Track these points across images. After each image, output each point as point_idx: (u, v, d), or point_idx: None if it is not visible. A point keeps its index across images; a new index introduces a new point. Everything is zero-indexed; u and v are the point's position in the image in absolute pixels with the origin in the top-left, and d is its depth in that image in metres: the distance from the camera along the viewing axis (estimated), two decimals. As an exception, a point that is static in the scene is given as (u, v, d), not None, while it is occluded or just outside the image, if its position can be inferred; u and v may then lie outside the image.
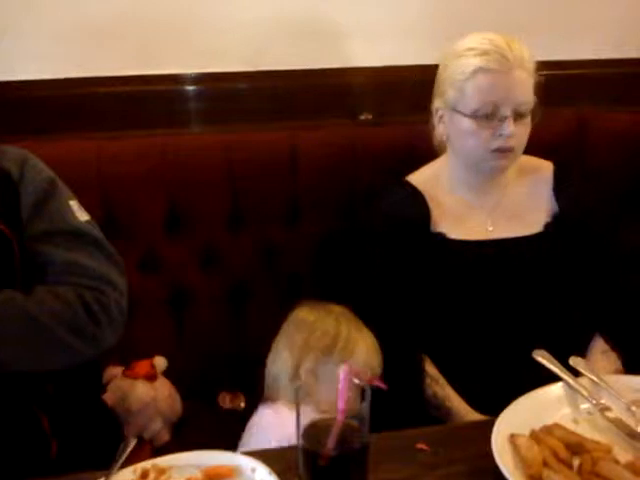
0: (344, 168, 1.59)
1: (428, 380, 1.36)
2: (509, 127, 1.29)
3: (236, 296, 1.60)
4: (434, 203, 1.42)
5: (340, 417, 0.87)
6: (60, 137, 1.51)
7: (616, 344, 1.37)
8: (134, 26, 1.63)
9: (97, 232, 1.22)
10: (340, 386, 0.88)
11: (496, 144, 1.32)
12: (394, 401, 1.30)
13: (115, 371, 1.53)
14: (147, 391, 1.48)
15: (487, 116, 1.31)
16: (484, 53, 1.30)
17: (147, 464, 0.99)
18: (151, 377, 1.51)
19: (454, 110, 1.35)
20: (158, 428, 1.50)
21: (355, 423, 0.88)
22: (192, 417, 1.55)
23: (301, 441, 0.87)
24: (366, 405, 0.87)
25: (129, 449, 1.01)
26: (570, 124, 1.65)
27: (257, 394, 1.38)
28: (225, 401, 1.62)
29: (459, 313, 1.39)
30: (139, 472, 0.97)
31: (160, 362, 1.54)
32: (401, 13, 1.73)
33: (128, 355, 1.52)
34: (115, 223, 1.50)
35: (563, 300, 1.39)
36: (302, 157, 1.58)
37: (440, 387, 1.35)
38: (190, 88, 1.69)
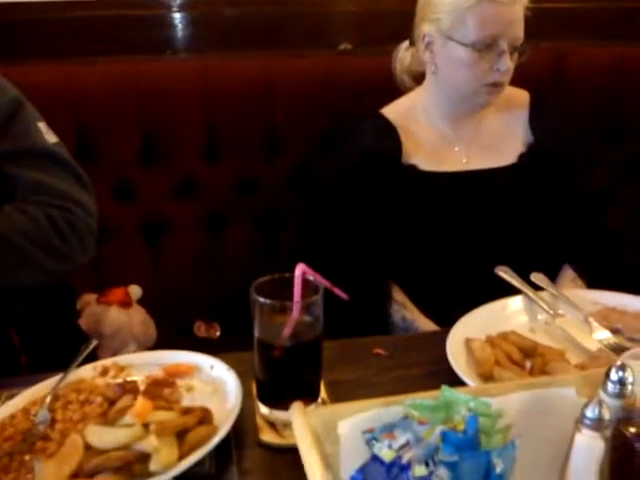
0: (323, 99, 1.58)
1: (396, 306, 1.38)
2: (507, 62, 1.27)
3: (213, 226, 1.60)
4: (408, 135, 1.41)
5: (295, 311, 0.89)
6: (31, 61, 1.49)
7: (583, 273, 1.39)
8: None
9: (65, 154, 1.22)
10: (295, 282, 0.90)
11: (492, 78, 1.29)
12: (362, 327, 1.34)
13: (90, 298, 1.54)
14: (121, 316, 1.50)
15: (486, 48, 1.27)
16: None
17: (107, 362, 1.01)
18: (125, 304, 1.52)
19: (449, 38, 1.29)
20: (132, 352, 1.52)
21: (309, 319, 0.90)
22: (166, 344, 1.54)
23: (257, 334, 0.89)
24: (318, 298, 0.88)
25: (89, 349, 1.03)
26: (548, 58, 1.64)
27: (233, 323, 1.40)
28: (200, 330, 1.63)
29: (430, 242, 1.39)
30: (99, 369, 0.99)
31: (135, 290, 1.55)
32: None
33: (103, 284, 1.53)
34: (88, 151, 1.50)
35: (534, 230, 1.40)
36: (280, 87, 1.57)
37: (408, 311, 1.37)
38: (169, 14, 1.68)
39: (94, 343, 1.05)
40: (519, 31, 1.29)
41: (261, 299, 0.87)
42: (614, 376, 0.69)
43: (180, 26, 1.71)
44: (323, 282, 0.92)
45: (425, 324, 1.33)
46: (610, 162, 1.67)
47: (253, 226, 1.61)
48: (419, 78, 1.45)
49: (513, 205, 1.39)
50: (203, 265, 1.61)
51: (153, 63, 1.58)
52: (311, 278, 0.90)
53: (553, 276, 1.39)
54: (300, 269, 0.90)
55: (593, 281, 1.36)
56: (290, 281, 0.89)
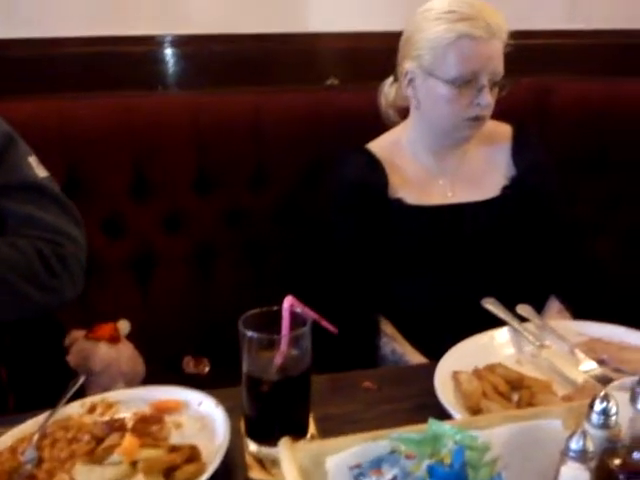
0: (310, 133, 1.60)
1: (385, 338, 1.38)
2: (487, 97, 1.29)
3: (201, 260, 1.61)
4: (393, 169, 1.43)
5: (283, 345, 0.89)
6: (23, 97, 1.51)
7: (569, 304, 1.40)
8: None
9: (55, 188, 1.23)
10: (283, 315, 0.90)
11: (472, 113, 1.32)
12: (351, 359, 1.34)
13: (78, 334, 1.54)
14: (109, 352, 1.49)
15: (466, 84, 1.29)
16: (469, 18, 1.27)
17: (95, 398, 1.01)
18: (114, 339, 1.52)
19: (430, 74, 1.32)
20: (120, 389, 1.51)
21: (297, 352, 0.91)
22: (155, 380, 1.54)
23: (245, 368, 0.90)
24: (306, 331, 0.89)
25: (77, 386, 1.03)
26: (531, 93, 1.67)
27: (222, 358, 1.40)
28: (189, 365, 1.63)
29: (417, 275, 1.41)
30: (87, 406, 0.99)
31: (123, 325, 1.55)
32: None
33: (92, 319, 1.53)
34: (79, 185, 1.51)
35: (519, 262, 1.42)
36: (268, 121, 1.59)
37: (398, 343, 1.37)
38: (159, 50, 1.72)
39: (81, 379, 1.04)
40: (498, 66, 1.31)
41: (249, 333, 0.88)
42: (598, 407, 0.70)
43: (171, 62, 1.75)
44: (311, 314, 0.93)
45: (414, 357, 1.33)
46: (594, 193, 1.69)
47: (242, 259, 1.62)
48: (404, 113, 1.48)
49: (497, 237, 1.40)
50: (192, 299, 1.61)
51: (143, 98, 1.61)
52: (299, 310, 0.91)
53: (540, 307, 1.40)
54: (288, 302, 0.91)
55: (579, 312, 1.37)
56: (278, 314, 0.90)
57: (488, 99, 1.30)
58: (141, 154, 1.54)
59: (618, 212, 1.73)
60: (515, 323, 1.11)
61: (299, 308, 0.91)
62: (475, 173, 1.45)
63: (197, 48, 1.76)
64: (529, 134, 1.48)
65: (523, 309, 1.17)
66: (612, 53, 1.86)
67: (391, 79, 1.49)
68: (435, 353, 1.33)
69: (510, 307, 1.21)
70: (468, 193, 1.43)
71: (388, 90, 1.50)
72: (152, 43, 1.73)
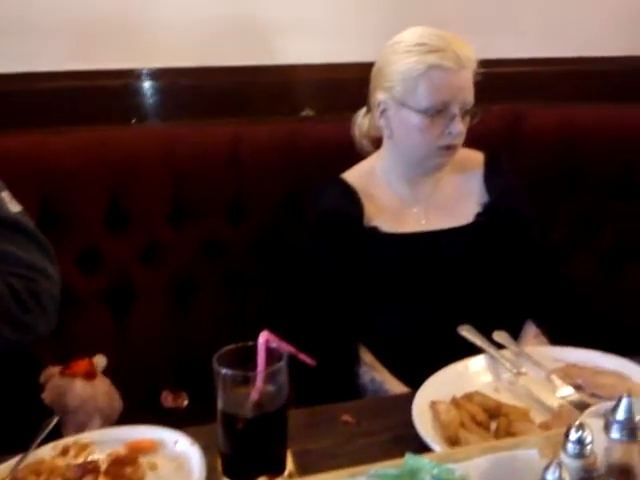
0: (287, 164, 1.61)
1: (365, 367, 1.37)
2: (458, 126, 1.32)
3: (179, 292, 1.59)
4: (368, 198, 1.45)
5: (259, 381, 0.88)
6: (-2, 132, 1.51)
7: (546, 328, 1.41)
8: (79, 21, 1.65)
9: (29, 223, 1.22)
10: (259, 351, 0.89)
11: (444, 142, 1.34)
12: (330, 389, 1.34)
13: (53, 370, 1.51)
14: (85, 389, 1.47)
15: (437, 113, 1.31)
16: (438, 50, 1.30)
17: (69, 440, 0.99)
18: (89, 375, 1.49)
19: (402, 105, 1.34)
20: (97, 427, 1.48)
21: (273, 388, 0.90)
22: (133, 416, 1.52)
23: (220, 406, 0.89)
24: (282, 366, 0.88)
25: (50, 427, 1.01)
26: (502, 120, 1.70)
27: (201, 392, 1.38)
28: (167, 400, 1.60)
29: (394, 303, 1.41)
30: (59, 448, 0.97)
31: (99, 360, 1.52)
32: (341, 10, 1.79)
33: (68, 354, 1.51)
34: (54, 219, 1.49)
35: (495, 287, 1.42)
36: (245, 152, 1.59)
37: (377, 372, 1.36)
38: (136, 84, 1.72)
39: (55, 420, 1.02)
40: (469, 95, 1.34)
41: (223, 370, 0.87)
42: (573, 436, 0.70)
43: (147, 95, 1.75)
44: (288, 349, 0.93)
45: (394, 385, 1.33)
46: (569, 216, 1.71)
47: (221, 291, 1.61)
48: (378, 143, 1.50)
49: (472, 263, 1.42)
50: (170, 332, 1.59)
51: (118, 132, 1.61)
52: (275, 345, 0.91)
53: (517, 332, 1.41)
54: (263, 337, 0.90)
55: (556, 335, 1.38)
56: (253, 350, 0.89)
57: (459, 128, 1.32)
58: (117, 187, 1.53)
59: (593, 234, 1.74)
60: (492, 350, 1.12)
61: (275, 343, 0.91)
62: (448, 200, 1.47)
63: (173, 81, 1.77)
64: (501, 161, 1.51)
65: (499, 336, 1.18)
66: (581, 80, 1.90)
67: (364, 110, 1.51)
68: (415, 380, 1.33)
69: (488, 333, 1.22)
70: (442, 220, 1.44)
71: (361, 121, 1.52)
72: (128, 76, 1.74)
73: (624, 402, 0.72)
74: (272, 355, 0.90)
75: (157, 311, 1.58)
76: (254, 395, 0.88)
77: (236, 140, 1.60)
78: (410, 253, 1.41)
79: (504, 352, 1.13)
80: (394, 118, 1.38)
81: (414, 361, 1.35)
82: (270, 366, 0.89)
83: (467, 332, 1.18)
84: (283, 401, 0.89)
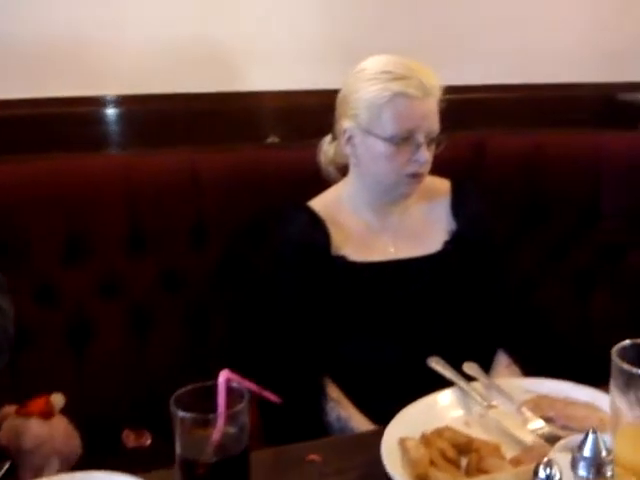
0: (251, 191, 1.58)
1: (331, 404, 1.33)
2: (424, 153, 1.31)
3: (139, 325, 1.54)
4: (336, 227, 1.42)
5: (219, 423, 0.84)
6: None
7: (517, 357, 1.39)
8: (20, 47, 1.62)
9: None
10: (219, 391, 0.86)
11: (411, 169, 1.33)
12: (297, 427, 1.30)
13: (9, 410, 1.45)
14: (41, 429, 1.40)
15: (403, 141, 1.31)
16: (402, 78, 1.30)
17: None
18: (46, 414, 1.43)
19: (368, 133, 1.33)
20: (55, 469, 1.42)
21: (235, 430, 0.86)
22: (93, 457, 1.46)
23: (178, 450, 0.84)
24: (244, 407, 0.85)
25: (2, 471, 0.96)
26: (468, 147, 1.70)
27: (164, 429, 1.33)
28: (129, 439, 1.54)
29: (363, 334, 1.38)
30: (9, 498, 0.92)
31: (57, 399, 1.46)
32: (306, 37, 1.79)
33: (25, 393, 1.45)
34: (8, 252, 1.44)
35: (465, 317, 1.41)
36: (207, 180, 1.56)
37: (343, 409, 1.33)
38: (96, 111, 1.70)
39: (7, 465, 0.97)
40: (434, 123, 1.34)
41: (181, 413, 0.83)
42: (542, 474, 0.69)
43: (107, 122, 1.72)
44: (251, 386, 0.89)
45: (360, 422, 1.29)
46: (536, 244, 1.71)
47: (182, 323, 1.56)
48: (344, 170, 1.48)
49: (441, 293, 1.40)
50: (130, 368, 1.53)
51: (76, 160, 1.56)
52: (236, 385, 0.87)
53: (489, 362, 1.39)
54: (224, 376, 0.86)
55: (528, 365, 1.37)
56: (213, 389, 0.85)
57: (425, 156, 1.32)
58: (74, 217, 1.48)
59: (562, 260, 1.74)
60: (462, 383, 1.09)
61: (236, 382, 0.87)
62: (416, 228, 1.45)
63: (135, 108, 1.74)
64: (467, 188, 1.50)
65: (469, 367, 1.15)
66: (545, 106, 1.92)
67: (330, 137, 1.49)
68: (384, 415, 1.30)
69: (459, 363, 1.19)
70: (410, 249, 1.42)
71: (327, 148, 1.50)
72: (89, 104, 1.71)
73: (590, 438, 0.70)
74: (233, 395, 0.86)
75: (117, 345, 1.53)
76: (215, 438, 0.84)
77: (198, 167, 1.57)
78: (378, 282, 1.39)
79: (474, 384, 1.10)
80: (360, 146, 1.37)
81: (383, 395, 1.32)
82: (231, 407, 0.85)
83: (436, 364, 1.15)
84: (245, 443, 0.85)
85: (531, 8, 1.98)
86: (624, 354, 0.78)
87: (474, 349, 1.36)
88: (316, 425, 1.30)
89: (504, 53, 1.93)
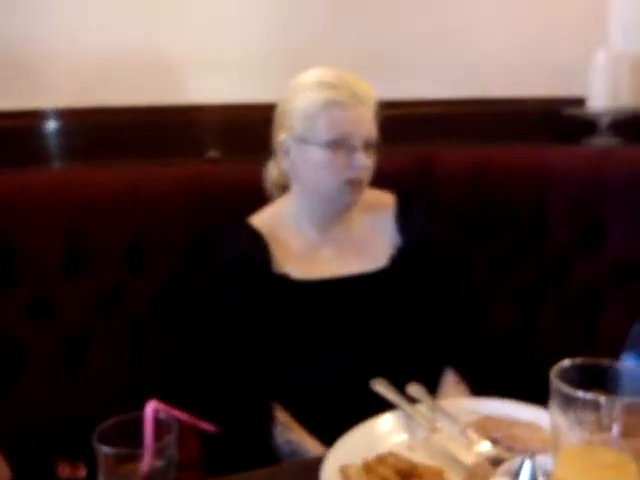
0: (191, 207, 1.53)
1: (280, 428, 1.28)
2: (360, 157, 1.31)
3: (74, 351, 1.46)
4: (277, 244, 1.39)
5: (146, 457, 0.79)
6: None
7: (465, 375, 1.36)
8: None
9: None
10: (146, 423, 0.81)
11: (349, 175, 1.32)
12: (245, 453, 1.24)
13: None
14: (-32, 461, 1.32)
15: (339, 146, 1.31)
16: (334, 87, 1.33)
17: None
18: (-26, 446, 1.35)
19: (304, 142, 1.34)
20: (-19, 505, 1.33)
21: (162, 464, 0.81)
22: (24, 488, 1.39)
23: (102, 487, 0.79)
24: (171, 440, 0.80)
25: None
26: (415, 161, 1.68)
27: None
28: (64, 471, 1.46)
29: (308, 354, 1.34)
30: None
31: (-16, 428, 1.39)
32: (246, 50, 1.77)
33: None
34: None
35: (411, 335, 1.38)
36: (146, 196, 1.51)
37: (293, 432, 1.28)
38: (34, 124, 1.64)
39: None
40: (370, 130, 1.35)
41: (104, 448, 0.77)
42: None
43: (45, 136, 1.66)
44: (182, 417, 0.84)
45: (312, 446, 1.25)
46: (483, 260, 1.70)
47: (120, 348, 1.49)
48: (286, 187, 1.45)
49: (386, 309, 1.37)
50: (64, 396, 1.44)
51: (7, 176, 1.47)
52: (164, 416, 0.82)
53: (437, 380, 1.36)
54: (151, 407, 0.82)
55: (476, 382, 1.35)
56: (139, 422, 0.80)
57: (362, 160, 1.31)
58: (4, 238, 1.40)
59: (510, 275, 1.74)
60: (405, 406, 1.06)
61: (164, 413, 0.82)
62: (360, 243, 1.43)
63: (73, 121, 1.69)
64: (412, 202, 1.48)
65: (413, 389, 1.12)
66: (491, 121, 1.94)
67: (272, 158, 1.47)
68: (335, 437, 1.26)
69: (408, 381, 1.16)
70: (355, 264, 1.40)
71: (271, 169, 1.48)
72: (26, 117, 1.65)
73: (527, 464, 0.68)
74: (161, 426, 0.81)
75: (48, 373, 1.44)
76: (142, 473, 0.79)
77: (137, 183, 1.51)
78: (322, 299, 1.36)
79: (418, 407, 1.07)
80: (297, 157, 1.36)
81: (332, 416, 1.26)
82: (159, 439, 0.80)
83: (380, 387, 1.12)
84: (173, 477, 0.80)
85: (478, 22, 2.02)
86: (564, 374, 0.76)
87: (422, 367, 1.34)
88: (263, 452, 1.25)
89: (452, 67, 1.95)
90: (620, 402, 0.70)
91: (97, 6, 1.68)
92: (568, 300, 1.71)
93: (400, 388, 1.15)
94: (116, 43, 1.68)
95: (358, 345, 1.34)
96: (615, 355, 1.06)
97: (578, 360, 0.77)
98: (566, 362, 0.77)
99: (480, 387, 1.34)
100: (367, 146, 1.33)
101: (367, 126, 1.34)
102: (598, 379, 0.77)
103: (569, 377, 0.76)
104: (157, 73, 1.71)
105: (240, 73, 1.77)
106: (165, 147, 1.68)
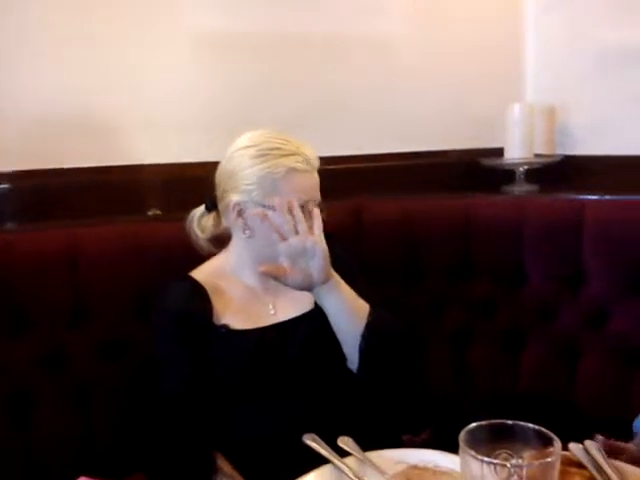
0: (132, 265, 1.57)
1: (224, 479, 1.32)
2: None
3: (17, 410, 1.47)
4: (218, 296, 1.44)
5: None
6: None
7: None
8: None
9: None
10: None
11: None
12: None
13: None
14: None
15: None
16: (293, 154, 1.39)
17: None
18: None
19: (262, 206, 1.38)
20: None
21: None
22: None
23: None
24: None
25: None
26: (346, 213, 1.77)
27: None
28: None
29: (247, 405, 1.38)
30: None
31: None
32: (185, 111, 1.83)
33: None
34: None
35: (343, 380, 1.42)
36: (86, 255, 1.54)
37: (236, 484, 1.32)
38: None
39: None
40: (318, 192, 1.44)
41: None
42: None
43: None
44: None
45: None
46: (411, 304, 1.79)
47: (64, 405, 1.51)
48: (220, 242, 1.51)
49: (315, 354, 1.42)
50: (8, 455, 1.45)
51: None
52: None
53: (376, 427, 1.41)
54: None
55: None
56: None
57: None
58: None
59: (439, 321, 1.82)
60: (335, 459, 1.12)
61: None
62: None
63: (13, 184, 1.72)
64: (337, 243, 1.51)
65: (343, 441, 1.18)
66: (416, 172, 2.05)
67: (202, 210, 1.53)
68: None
69: (343, 429, 1.21)
70: (288, 310, 1.46)
71: (205, 219, 1.52)
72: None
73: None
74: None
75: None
76: None
77: (77, 243, 1.55)
78: (259, 348, 1.40)
79: (348, 460, 1.13)
80: (254, 218, 1.41)
81: (273, 469, 1.28)
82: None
83: (311, 441, 1.17)
84: None
85: (400, 79, 2.13)
86: (471, 437, 0.83)
87: (357, 413, 1.40)
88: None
89: (375, 123, 2.05)
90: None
91: (32, 70, 1.71)
92: (495, 341, 1.82)
93: (343, 434, 1.18)
94: (58, 106, 1.71)
95: (291, 395, 1.38)
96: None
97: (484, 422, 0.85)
98: (473, 425, 0.85)
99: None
100: (317, 205, 1.40)
101: (317, 188, 1.43)
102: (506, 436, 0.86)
103: (478, 438, 0.84)
104: (98, 133, 1.75)
105: (181, 132, 1.82)
106: (106, 206, 1.71)
